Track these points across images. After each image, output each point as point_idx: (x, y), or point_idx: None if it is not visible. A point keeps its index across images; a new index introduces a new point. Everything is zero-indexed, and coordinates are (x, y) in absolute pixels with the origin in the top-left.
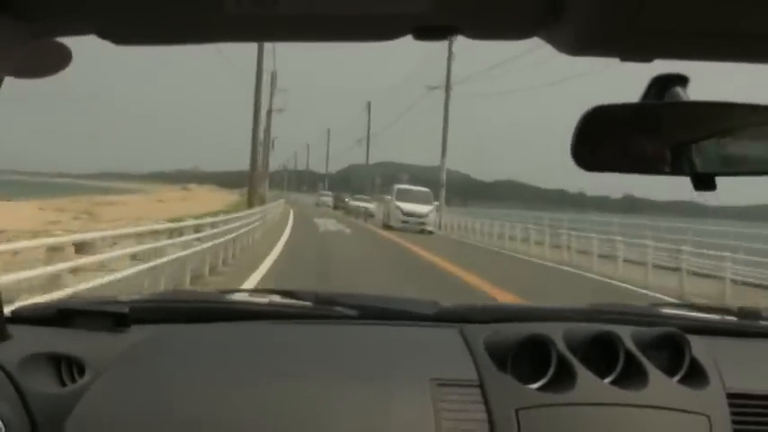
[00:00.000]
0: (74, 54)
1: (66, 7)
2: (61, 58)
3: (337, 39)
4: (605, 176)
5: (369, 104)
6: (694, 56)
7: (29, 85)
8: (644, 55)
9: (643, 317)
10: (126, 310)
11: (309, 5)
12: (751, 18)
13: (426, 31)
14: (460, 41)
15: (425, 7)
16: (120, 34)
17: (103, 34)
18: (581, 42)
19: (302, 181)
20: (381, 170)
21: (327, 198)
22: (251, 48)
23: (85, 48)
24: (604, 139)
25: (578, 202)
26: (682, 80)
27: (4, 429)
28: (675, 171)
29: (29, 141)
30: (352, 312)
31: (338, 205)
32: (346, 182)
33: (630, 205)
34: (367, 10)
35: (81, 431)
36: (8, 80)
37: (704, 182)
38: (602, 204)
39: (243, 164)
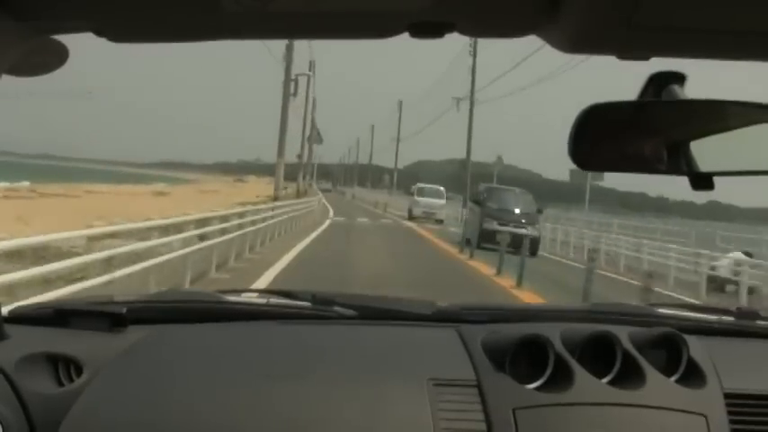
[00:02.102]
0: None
1: (64, 5)
2: (58, 56)
3: (333, 36)
4: (684, 180)
5: (473, 50)
6: (692, 53)
7: (109, 82)
8: (641, 52)
9: (641, 317)
10: (123, 310)
11: (306, 2)
12: (749, 15)
13: (422, 28)
14: None
15: (422, 4)
16: (116, 32)
17: (100, 32)
18: (578, 40)
19: (364, 175)
20: (451, 168)
21: (436, 202)
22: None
23: (159, 47)
24: (602, 137)
25: (660, 208)
26: (679, 78)
27: (1, 430)
28: (673, 170)
29: (103, 132)
30: (350, 312)
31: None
32: (414, 179)
33: (716, 212)
34: (363, 6)
35: (78, 431)
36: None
37: (702, 181)
38: (687, 210)
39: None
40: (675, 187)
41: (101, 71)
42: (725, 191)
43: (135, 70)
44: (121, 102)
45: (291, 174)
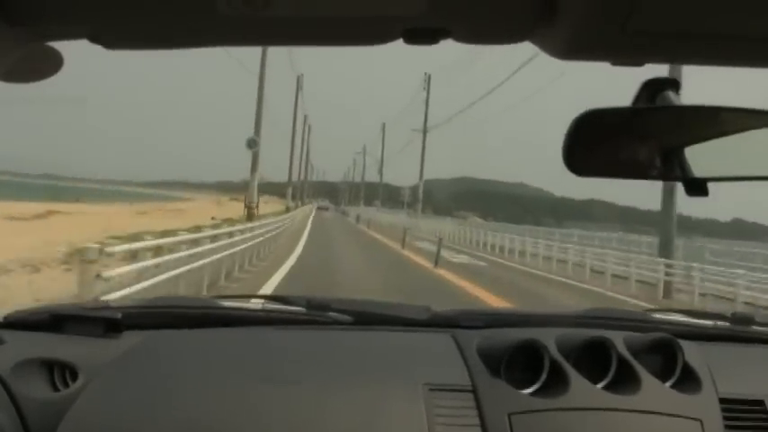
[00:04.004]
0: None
1: (59, 12)
2: (53, 63)
3: (328, 42)
4: (711, 198)
5: None
6: (686, 60)
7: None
8: (636, 59)
9: (636, 322)
10: (118, 315)
11: (300, 8)
12: (743, 22)
13: (417, 35)
14: None
15: (417, 10)
16: (111, 39)
17: (95, 39)
18: (572, 47)
19: (372, 193)
20: (460, 186)
21: None
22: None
23: (156, 58)
24: (596, 143)
25: (684, 226)
26: (673, 84)
27: None
28: (667, 176)
29: (106, 153)
30: (346, 318)
31: None
32: (424, 197)
33: (741, 230)
34: (357, 13)
35: None
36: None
37: (696, 187)
38: (711, 228)
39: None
40: (700, 206)
41: (99, 84)
42: (751, 208)
43: (133, 86)
44: (122, 119)
45: (282, 191)
